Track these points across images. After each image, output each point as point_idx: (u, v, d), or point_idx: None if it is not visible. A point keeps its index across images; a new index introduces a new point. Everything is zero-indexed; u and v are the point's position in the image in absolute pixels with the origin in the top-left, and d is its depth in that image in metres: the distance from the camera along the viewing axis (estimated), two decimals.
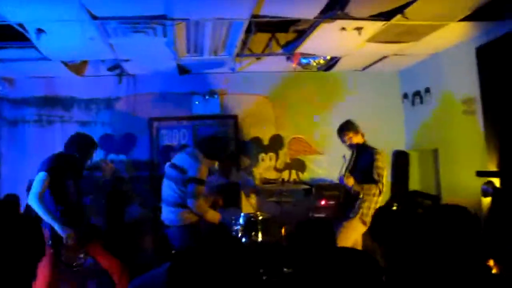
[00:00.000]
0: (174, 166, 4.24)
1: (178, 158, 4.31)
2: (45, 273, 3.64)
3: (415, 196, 5.65)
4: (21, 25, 3.96)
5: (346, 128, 4.62)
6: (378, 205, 4.45)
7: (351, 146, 4.66)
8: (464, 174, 4.91)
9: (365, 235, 4.47)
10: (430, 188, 5.71)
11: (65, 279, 3.95)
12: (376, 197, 4.40)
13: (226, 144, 4.52)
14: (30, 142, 5.86)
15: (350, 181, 4.35)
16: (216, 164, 4.70)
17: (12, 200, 5.01)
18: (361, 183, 4.38)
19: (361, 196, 4.40)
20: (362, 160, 4.57)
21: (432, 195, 5.54)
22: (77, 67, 5.58)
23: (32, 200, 3.66)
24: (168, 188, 4.24)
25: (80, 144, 4.04)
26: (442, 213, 1.79)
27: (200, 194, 4.08)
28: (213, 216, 4.24)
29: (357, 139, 4.58)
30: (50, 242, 3.69)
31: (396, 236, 1.87)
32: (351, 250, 1.66)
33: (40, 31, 4.10)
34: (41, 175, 3.74)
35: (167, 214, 4.23)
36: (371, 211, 4.40)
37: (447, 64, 5.27)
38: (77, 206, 3.95)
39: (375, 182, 4.37)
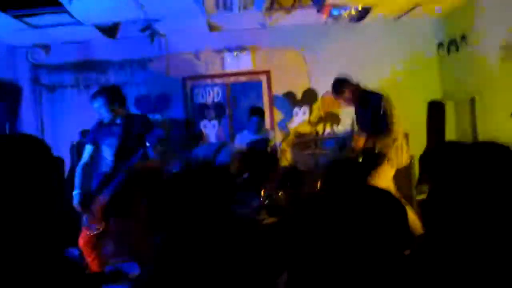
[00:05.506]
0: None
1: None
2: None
3: None
4: None
5: (343, 86, 4.43)
6: (401, 143, 4.32)
7: (352, 101, 4.49)
8: (502, 123, 4.79)
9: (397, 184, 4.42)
10: (467, 138, 5.61)
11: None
12: (392, 145, 4.24)
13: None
14: (69, 107, 6.03)
15: (360, 143, 4.19)
16: None
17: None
18: (372, 136, 4.20)
19: (376, 150, 4.22)
20: (367, 111, 4.38)
21: (468, 144, 5.44)
22: (110, 30, 5.65)
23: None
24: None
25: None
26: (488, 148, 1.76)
27: None
28: None
29: (354, 94, 4.40)
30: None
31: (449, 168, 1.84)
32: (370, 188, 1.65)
33: None
34: (87, 147, 4.13)
35: None
36: (396, 153, 4.28)
37: (485, 9, 5.08)
38: (112, 170, 4.02)
39: (387, 131, 4.19)
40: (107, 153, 4.09)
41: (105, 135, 4.08)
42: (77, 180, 3.98)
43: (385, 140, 4.20)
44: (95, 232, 3.91)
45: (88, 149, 4.13)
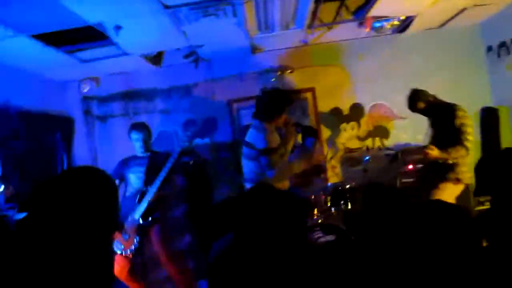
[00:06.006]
0: (246, 143, 4.23)
1: (248, 134, 4.27)
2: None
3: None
4: (100, 24, 4.18)
5: (417, 98, 4.48)
6: (470, 161, 4.28)
7: (424, 113, 4.52)
8: None
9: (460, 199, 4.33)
10: None
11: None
12: (465, 156, 4.24)
13: (276, 95, 4.23)
14: (120, 135, 6.17)
15: (434, 153, 4.17)
16: (282, 119, 4.27)
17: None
18: (446, 147, 4.20)
19: (450, 161, 4.25)
20: (442, 122, 4.40)
21: None
22: (155, 59, 5.80)
23: None
24: (246, 167, 4.27)
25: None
26: None
27: (276, 163, 3.96)
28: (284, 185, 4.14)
29: (429, 105, 4.44)
30: None
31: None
32: (438, 202, 1.59)
33: (118, 28, 4.30)
34: None
35: None
36: (465, 168, 4.26)
37: None
38: (141, 191, 4.41)
39: (461, 142, 4.17)
40: (134, 179, 4.54)
41: (132, 166, 4.59)
42: None
43: (459, 153, 4.20)
44: (131, 253, 4.17)
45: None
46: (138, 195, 4.35)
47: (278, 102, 4.16)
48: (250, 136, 4.17)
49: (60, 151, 4.80)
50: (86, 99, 6.32)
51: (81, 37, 4.56)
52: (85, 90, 6.17)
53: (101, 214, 1.60)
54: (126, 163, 4.66)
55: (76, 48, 4.85)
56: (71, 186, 1.59)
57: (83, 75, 6.07)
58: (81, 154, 6.20)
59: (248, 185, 4.26)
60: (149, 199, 4.26)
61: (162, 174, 4.29)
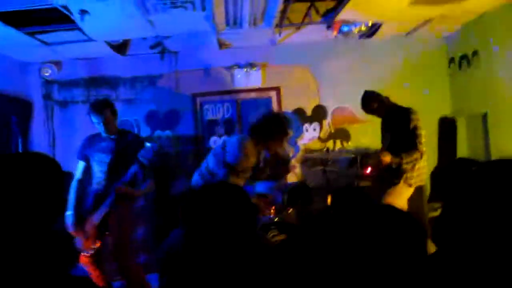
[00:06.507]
0: (224, 145, 4.09)
1: (231, 140, 4.12)
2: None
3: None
4: (65, 7, 4.06)
5: (369, 99, 4.55)
6: (423, 164, 4.37)
7: (378, 113, 4.59)
8: None
9: (411, 201, 4.43)
10: (479, 155, 5.55)
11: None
12: (419, 160, 4.32)
13: (279, 121, 4.06)
14: (80, 122, 6.05)
15: (387, 158, 4.21)
16: (273, 147, 4.14)
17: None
18: (399, 152, 4.25)
19: (403, 167, 4.31)
20: (395, 126, 4.47)
21: (481, 162, 5.38)
22: (120, 47, 5.71)
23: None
24: (208, 160, 4.14)
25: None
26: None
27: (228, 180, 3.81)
28: None
29: (383, 106, 4.50)
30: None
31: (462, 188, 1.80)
32: (389, 208, 1.62)
33: (83, 12, 4.19)
34: (79, 164, 4.17)
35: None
36: (416, 173, 4.34)
37: (496, 25, 5.06)
38: (104, 188, 3.99)
39: (415, 146, 4.24)
40: (98, 170, 4.11)
41: (96, 151, 4.13)
42: (70, 200, 3.94)
43: (413, 157, 4.24)
44: (89, 254, 3.86)
45: (80, 165, 4.17)
46: (97, 198, 3.95)
47: (277, 129, 4.02)
48: (231, 144, 4.03)
49: (16, 134, 4.59)
50: (46, 82, 6.16)
51: (44, 19, 4.43)
52: (46, 74, 6.02)
53: (38, 200, 1.56)
54: (90, 143, 4.18)
55: (39, 30, 4.71)
56: (9, 170, 1.55)
57: (45, 58, 5.91)
58: (39, 139, 6.05)
59: (196, 177, 4.18)
60: (108, 205, 3.83)
61: (125, 178, 3.80)
